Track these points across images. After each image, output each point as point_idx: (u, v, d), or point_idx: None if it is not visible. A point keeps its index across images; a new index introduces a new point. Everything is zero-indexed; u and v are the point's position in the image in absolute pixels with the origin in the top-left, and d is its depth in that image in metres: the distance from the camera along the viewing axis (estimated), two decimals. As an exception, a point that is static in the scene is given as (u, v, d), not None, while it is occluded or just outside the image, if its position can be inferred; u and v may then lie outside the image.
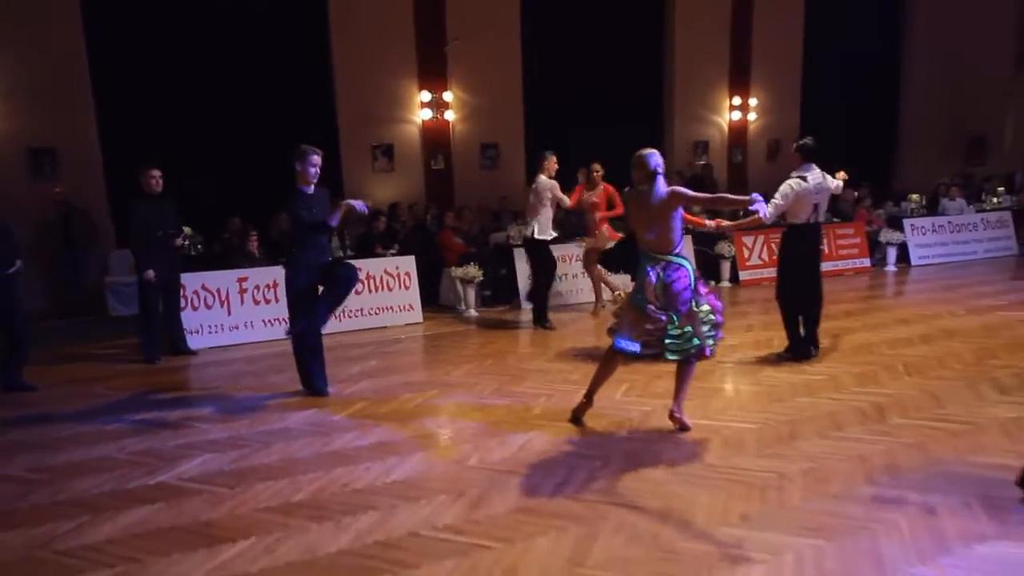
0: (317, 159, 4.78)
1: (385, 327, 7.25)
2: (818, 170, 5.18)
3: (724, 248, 9.29)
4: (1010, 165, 13.34)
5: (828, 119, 12.46)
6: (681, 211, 3.81)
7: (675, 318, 3.67)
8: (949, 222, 10.97)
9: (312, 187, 4.81)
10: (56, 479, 3.67)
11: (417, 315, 7.48)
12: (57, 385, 5.51)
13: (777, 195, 5.09)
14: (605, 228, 6.79)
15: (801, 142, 5.33)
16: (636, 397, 4.62)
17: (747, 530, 2.87)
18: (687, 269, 3.73)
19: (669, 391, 4.12)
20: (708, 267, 9.02)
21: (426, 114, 10.33)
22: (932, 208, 11.59)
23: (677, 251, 3.75)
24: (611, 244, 6.60)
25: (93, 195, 8.68)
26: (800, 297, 5.33)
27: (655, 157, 3.79)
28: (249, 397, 5.09)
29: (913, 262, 10.38)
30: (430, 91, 10.26)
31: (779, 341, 5.63)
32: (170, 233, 6.05)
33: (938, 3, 13.67)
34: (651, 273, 3.69)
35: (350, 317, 7.15)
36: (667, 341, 3.69)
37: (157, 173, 6.02)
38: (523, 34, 10.82)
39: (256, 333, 6.81)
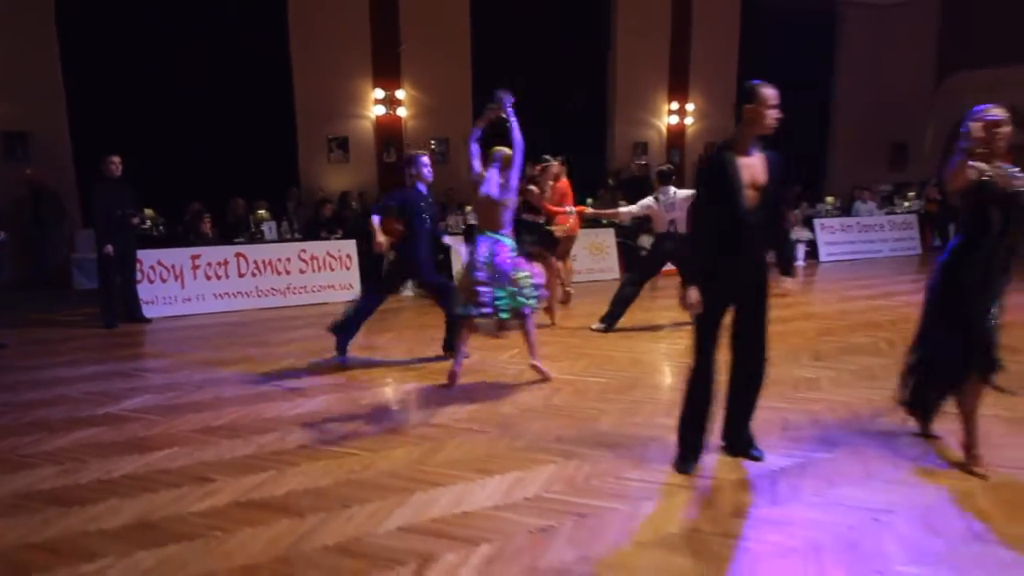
0: (427, 159, 5.40)
1: (326, 303, 8.07)
2: (672, 190, 6.34)
3: (644, 240, 10.21)
4: (929, 171, 14.43)
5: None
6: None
7: (502, 283, 4.55)
8: (858, 222, 12.04)
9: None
10: (19, 410, 4.46)
11: (356, 293, 8.29)
12: (24, 344, 6.27)
13: (637, 204, 6.56)
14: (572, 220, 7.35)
15: (658, 169, 6.67)
16: (519, 359, 5.49)
17: (559, 444, 3.76)
18: (508, 245, 4.65)
19: (545, 355, 5.04)
20: (629, 257, 9.93)
21: (380, 110, 11.13)
22: (849, 210, 12.65)
23: (504, 232, 4.68)
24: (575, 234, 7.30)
25: (62, 178, 9.37)
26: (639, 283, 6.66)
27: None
28: (193, 357, 5.89)
29: (822, 258, 11.43)
30: (384, 89, 11.06)
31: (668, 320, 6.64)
32: (128, 213, 6.81)
33: (866, 20, 14.72)
34: (482, 246, 4.60)
35: (295, 293, 7.98)
36: (497, 303, 4.56)
37: (117, 159, 6.78)
38: (473, 37, 11.64)
39: (207, 305, 7.59)
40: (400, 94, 11.19)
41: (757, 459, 3.49)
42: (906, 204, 13.12)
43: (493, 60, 11.77)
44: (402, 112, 11.28)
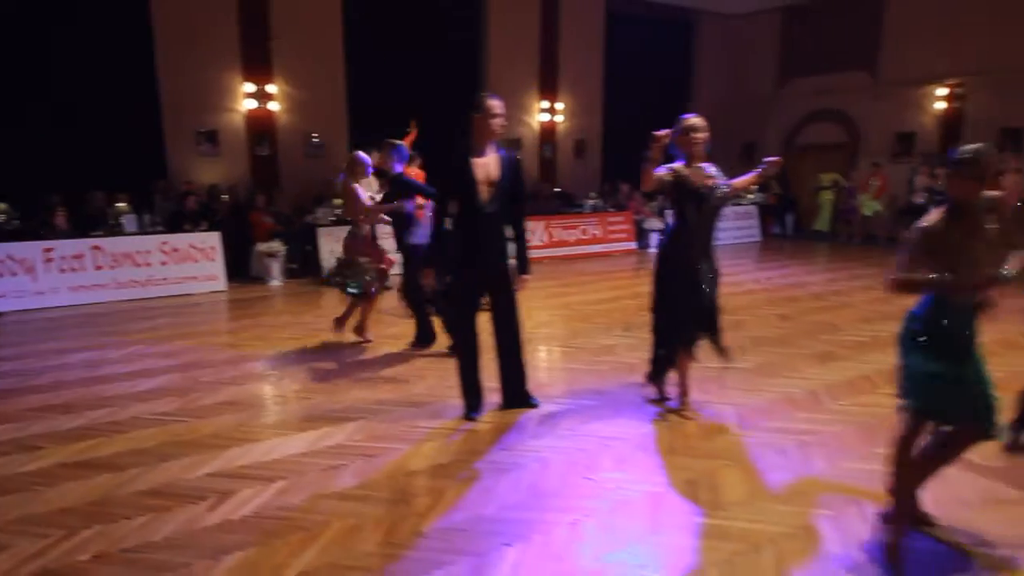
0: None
1: (189, 294, 8.25)
2: None
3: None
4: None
5: (627, 124, 14.50)
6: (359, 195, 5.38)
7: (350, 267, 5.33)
8: (706, 213, 13.31)
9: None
10: None
11: (221, 284, 8.54)
12: None
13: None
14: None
15: None
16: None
17: (375, 405, 4.33)
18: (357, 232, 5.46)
19: (399, 333, 5.66)
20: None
21: (251, 104, 11.24)
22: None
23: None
24: None
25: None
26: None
27: (362, 157, 5.47)
28: (42, 347, 6.01)
29: (715, 244, 12.58)
30: (254, 83, 11.17)
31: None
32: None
33: (718, 28, 16.13)
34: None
35: (156, 285, 8.11)
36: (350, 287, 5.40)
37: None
38: (346, 34, 11.93)
39: (62, 298, 7.60)
40: (272, 88, 11.34)
41: (534, 406, 4.19)
42: (749, 196, 14.59)
43: (367, 57, 12.13)
44: (274, 106, 11.43)
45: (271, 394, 4.63)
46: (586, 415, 4.14)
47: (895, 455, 2.69)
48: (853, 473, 3.31)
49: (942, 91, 12.80)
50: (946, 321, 2.51)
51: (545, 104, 14.35)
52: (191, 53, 10.59)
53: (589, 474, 3.34)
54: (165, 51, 10.52)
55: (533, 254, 11.14)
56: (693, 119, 3.93)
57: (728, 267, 10.89)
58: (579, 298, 7.99)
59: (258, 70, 11.26)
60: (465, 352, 4.06)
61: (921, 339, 2.56)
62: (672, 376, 4.27)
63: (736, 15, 16.01)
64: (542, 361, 5.38)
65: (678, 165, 3.91)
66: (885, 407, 4.18)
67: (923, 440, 2.65)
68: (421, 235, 5.35)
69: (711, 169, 3.99)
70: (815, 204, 14.71)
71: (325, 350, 5.70)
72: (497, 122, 3.76)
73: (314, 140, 11.75)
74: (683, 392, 4.18)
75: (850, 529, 2.81)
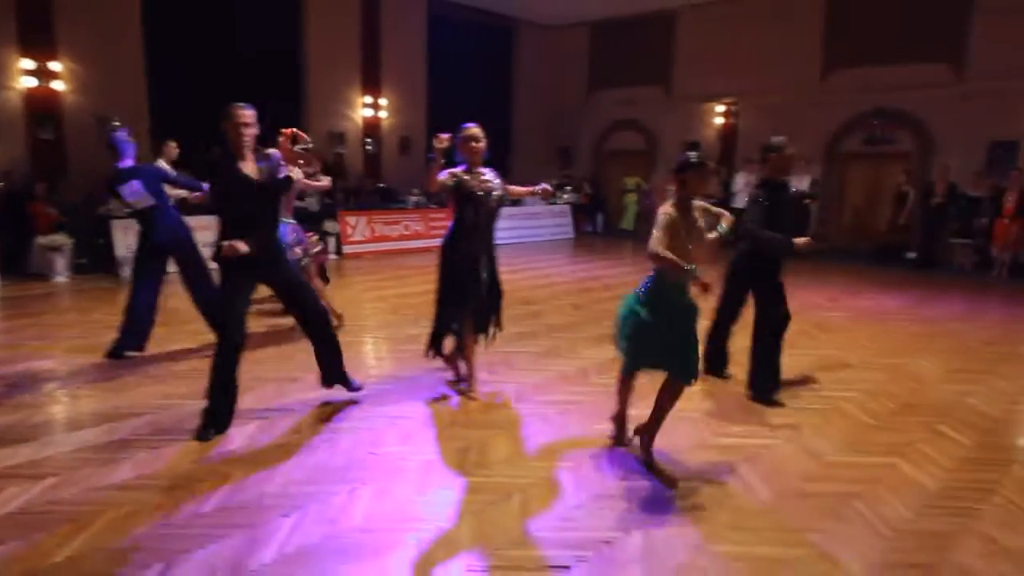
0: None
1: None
2: None
3: (328, 226, 10.92)
4: (586, 169, 17.35)
5: (452, 123, 14.91)
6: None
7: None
8: (522, 210, 14.18)
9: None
10: None
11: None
12: None
13: None
14: None
15: None
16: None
17: (163, 399, 4.29)
18: (292, 226, 5.81)
19: (195, 330, 5.46)
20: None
21: (30, 82, 10.12)
22: (518, 201, 14.78)
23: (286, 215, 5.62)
24: None
25: None
26: None
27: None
28: None
29: (495, 241, 13.25)
30: (33, 59, 10.08)
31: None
32: None
33: (535, 37, 17.12)
34: None
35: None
36: None
37: None
38: (145, 17, 11.12)
39: None
40: (56, 66, 10.30)
41: (356, 389, 4.38)
42: (564, 197, 15.73)
43: (169, 40, 11.40)
44: (59, 86, 10.39)
45: (49, 393, 4.40)
46: (381, 398, 4.44)
47: (618, 390, 3.67)
48: (600, 433, 3.93)
49: (721, 108, 14.69)
50: (664, 290, 3.34)
51: (368, 100, 14.38)
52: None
53: (374, 449, 3.65)
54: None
55: (354, 249, 11.25)
56: (473, 129, 4.35)
57: (539, 262, 11.94)
58: (394, 291, 8.25)
59: (39, 45, 10.18)
60: (231, 351, 3.86)
61: (642, 300, 3.37)
62: (461, 361, 4.69)
63: (551, 26, 17.10)
64: (346, 350, 5.56)
65: (459, 170, 4.32)
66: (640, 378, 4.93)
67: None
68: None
69: (489, 174, 4.43)
70: (622, 205, 16.19)
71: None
72: (247, 131, 3.76)
73: (115, 124, 10.84)
74: (469, 374, 4.62)
75: (586, 477, 3.38)
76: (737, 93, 14.42)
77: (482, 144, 4.36)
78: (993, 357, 5.83)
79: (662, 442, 3.66)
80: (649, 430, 3.57)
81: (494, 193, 4.38)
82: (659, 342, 3.35)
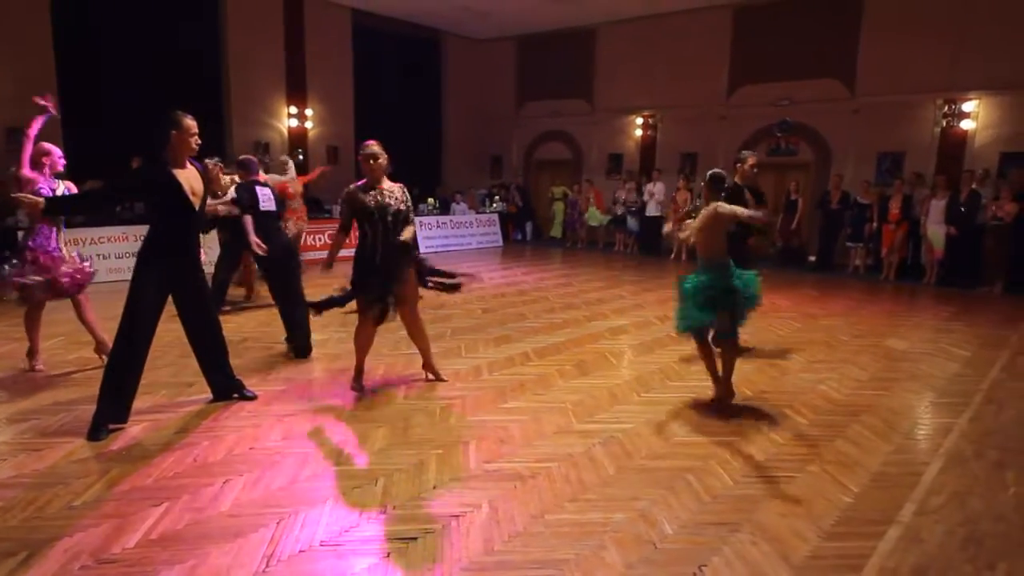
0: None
1: None
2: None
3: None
4: (516, 176, 17.74)
5: (382, 133, 15.06)
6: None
7: None
8: (451, 220, 14.45)
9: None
10: None
11: None
12: None
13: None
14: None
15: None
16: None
17: (41, 393, 4.38)
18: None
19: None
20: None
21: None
22: (446, 208, 15.06)
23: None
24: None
25: None
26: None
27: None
28: None
29: (421, 250, 13.47)
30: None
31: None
32: None
33: (463, 49, 17.48)
34: None
35: None
36: None
37: None
38: (56, 29, 10.95)
39: None
40: (-40, 75, 10.05)
41: (250, 398, 4.54)
42: (493, 206, 16.09)
43: (82, 51, 11.25)
44: (-36, 95, 10.13)
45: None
46: (272, 399, 4.62)
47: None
48: (477, 423, 4.23)
49: (640, 120, 15.34)
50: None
51: (293, 110, 14.43)
52: None
53: (254, 445, 3.85)
54: None
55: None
56: (372, 147, 4.59)
57: (463, 270, 12.13)
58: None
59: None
60: (137, 353, 4.05)
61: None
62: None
63: (478, 39, 17.50)
64: (242, 356, 5.72)
65: (355, 186, 4.57)
66: (525, 375, 5.27)
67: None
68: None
69: (395, 191, 4.64)
70: (550, 213, 16.64)
71: (5, 358, 5.45)
72: (192, 140, 4.02)
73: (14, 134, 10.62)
74: (357, 372, 4.85)
75: (452, 460, 3.67)
76: (655, 106, 15.09)
77: (381, 161, 4.58)
78: (856, 349, 6.41)
79: (528, 430, 3.99)
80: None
81: (391, 208, 4.57)
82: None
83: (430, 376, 5.09)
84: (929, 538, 2.98)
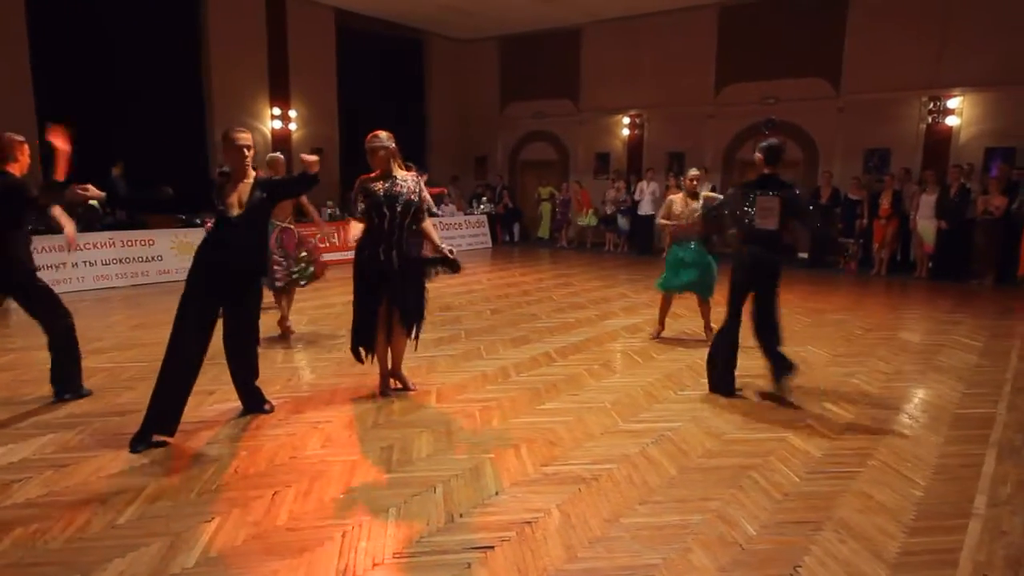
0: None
1: None
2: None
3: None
4: (501, 178, 17.62)
5: (366, 134, 14.81)
6: None
7: (291, 261, 6.21)
8: (440, 221, 14.26)
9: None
10: None
11: None
12: None
13: None
14: None
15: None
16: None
17: (58, 407, 4.12)
18: (292, 230, 6.35)
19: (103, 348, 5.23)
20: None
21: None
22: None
23: (288, 221, 6.30)
24: None
25: None
26: None
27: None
28: None
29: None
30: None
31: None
32: None
33: (446, 50, 17.32)
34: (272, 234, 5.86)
35: None
36: (294, 275, 6.24)
37: None
38: (32, 28, 10.52)
39: None
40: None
41: (268, 412, 4.31)
42: (481, 208, 15.94)
43: (59, 51, 10.83)
44: (-65, 96, 9.65)
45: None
46: (301, 406, 4.43)
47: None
48: (521, 426, 4.10)
49: (627, 120, 15.35)
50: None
51: (277, 111, 14.12)
52: None
53: (295, 454, 3.66)
54: None
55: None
56: (376, 138, 4.42)
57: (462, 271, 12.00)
58: (313, 303, 8.15)
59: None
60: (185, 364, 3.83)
61: None
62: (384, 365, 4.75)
63: (461, 40, 17.35)
64: (263, 363, 5.49)
65: (368, 176, 4.41)
66: (555, 375, 5.16)
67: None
68: None
69: (408, 181, 4.48)
70: (538, 214, 16.55)
71: (10, 367, 5.15)
72: (251, 154, 3.91)
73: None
74: (383, 371, 4.67)
75: (506, 464, 3.54)
76: (642, 106, 15.11)
77: (382, 153, 4.39)
78: (873, 342, 6.43)
79: (575, 431, 3.87)
80: None
81: (400, 199, 4.42)
82: None
83: (398, 384, 4.81)
84: (1011, 529, 2.94)
